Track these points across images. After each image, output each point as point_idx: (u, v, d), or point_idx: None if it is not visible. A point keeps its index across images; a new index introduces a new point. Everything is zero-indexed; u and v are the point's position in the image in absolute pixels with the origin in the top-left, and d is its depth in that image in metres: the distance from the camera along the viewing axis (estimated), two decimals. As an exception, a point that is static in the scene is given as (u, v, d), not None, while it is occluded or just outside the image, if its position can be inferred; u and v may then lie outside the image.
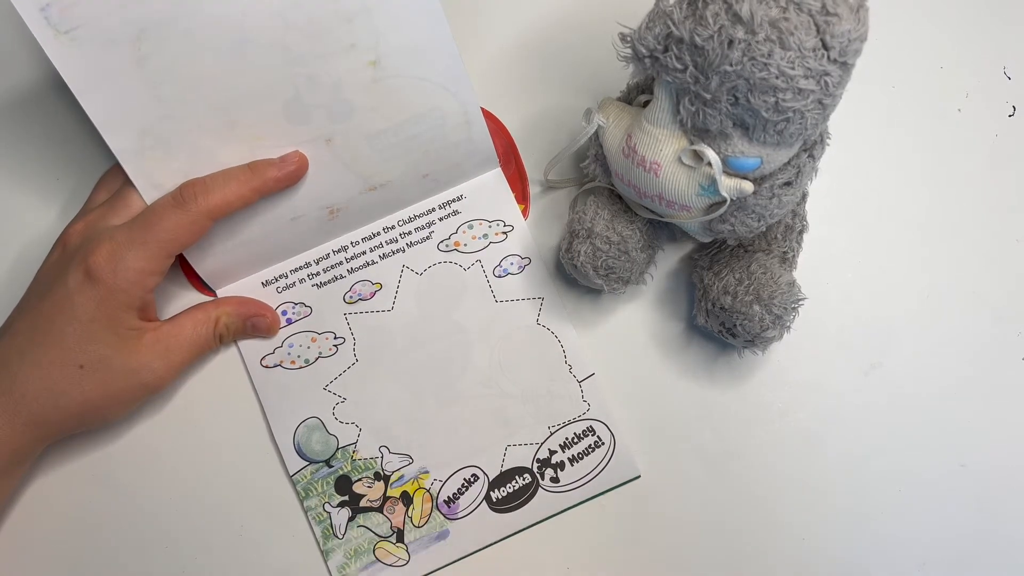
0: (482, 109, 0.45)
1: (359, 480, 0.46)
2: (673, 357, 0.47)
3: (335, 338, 0.47)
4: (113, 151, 0.41)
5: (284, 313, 0.47)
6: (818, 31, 0.32)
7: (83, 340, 0.40)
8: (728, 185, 0.37)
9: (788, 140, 0.36)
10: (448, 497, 0.46)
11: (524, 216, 0.48)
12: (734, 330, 0.41)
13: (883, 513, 0.45)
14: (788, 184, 0.39)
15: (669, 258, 0.47)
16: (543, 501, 0.45)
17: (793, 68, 0.32)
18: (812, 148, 0.39)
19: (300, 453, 0.46)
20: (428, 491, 0.46)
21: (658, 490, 0.46)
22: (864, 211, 0.48)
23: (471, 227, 0.47)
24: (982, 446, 0.46)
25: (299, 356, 0.47)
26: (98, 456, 0.46)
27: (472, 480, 0.46)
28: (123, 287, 0.40)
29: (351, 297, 0.47)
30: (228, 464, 0.46)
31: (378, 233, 0.47)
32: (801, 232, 0.44)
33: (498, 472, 0.46)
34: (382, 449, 0.46)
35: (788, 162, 0.38)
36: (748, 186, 0.37)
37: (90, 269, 0.40)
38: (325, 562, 0.45)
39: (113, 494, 0.46)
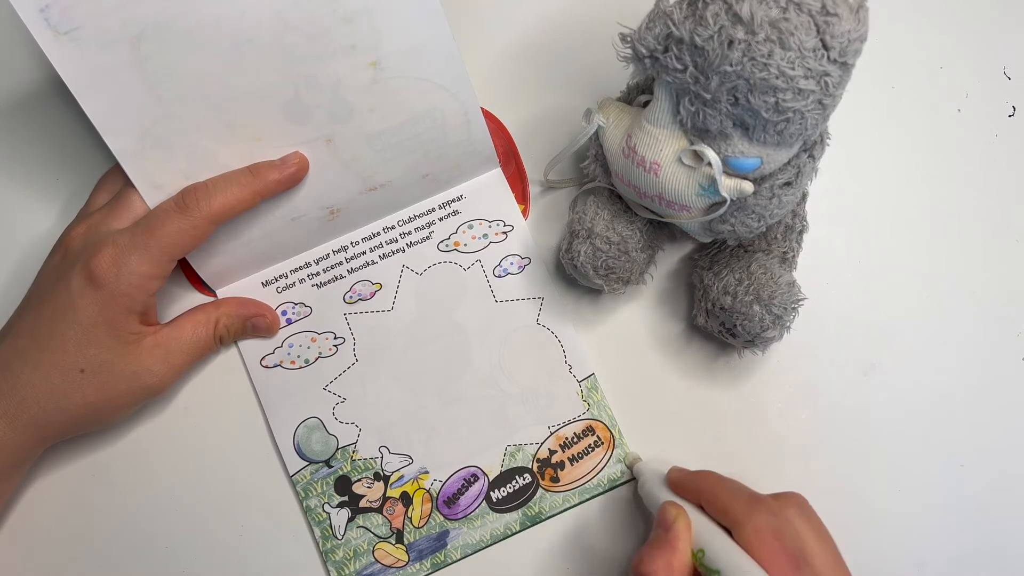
0: (482, 109, 0.45)
1: (359, 480, 0.46)
2: (673, 357, 0.47)
3: (335, 338, 0.47)
4: (113, 152, 0.41)
5: (284, 313, 0.47)
6: (818, 31, 0.32)
7: (84, 344, 0.40)
8: (728, 185, 0.37)
9: (788, 140, 0.36)
10: (448, 497, 0.46)
11: (524, 216, 0.48)
12: (734, 330, 0.41)
13: (882, 514, 0.45)
14: (788, 184, 0.39)
15: (669, 258, 0.47)
16: (543, 501, 0.46)
17: (793, 68, 0.32)
18: (812, 148, 0.39)
19: (300, 453, 0.46)
20: (428, 491, 0.46)
21: (658, 490, 0.46)
22: (864, 211, 0.48)
23: (471, 227, 0.47)
24: (982, 446, 0.46)
25: (299, 356, 0.47)
26: (98, 457, 0.46)
27: (472, 480, 0.46)
28: (125, 291, 0.40)
29: (351, 297, 0.47)
30: (228, 464, 0.46)
31: (378, 233, 0.47)
32: (801, 232, 0.44)
33: (498, 472, 0.46)
34: (382, 449, 0.46)
35: (788, 162, 0.38)
36: (748, 186, 0.37)
37: (92, 273, 0.39)
38: (324, 563, 0.45)
39: (113, 494, 0.46)
